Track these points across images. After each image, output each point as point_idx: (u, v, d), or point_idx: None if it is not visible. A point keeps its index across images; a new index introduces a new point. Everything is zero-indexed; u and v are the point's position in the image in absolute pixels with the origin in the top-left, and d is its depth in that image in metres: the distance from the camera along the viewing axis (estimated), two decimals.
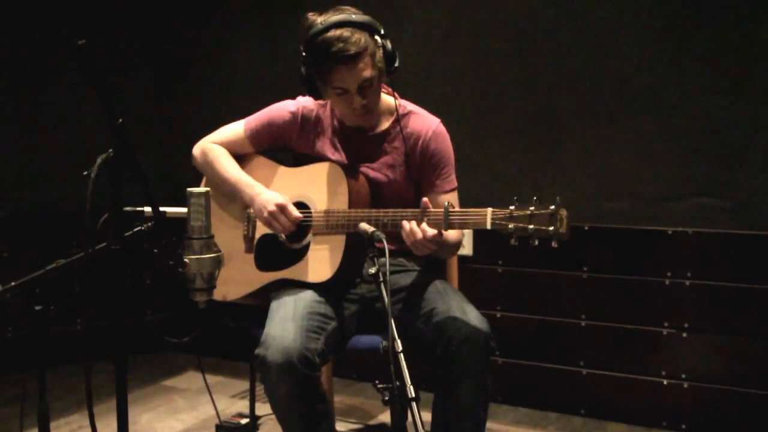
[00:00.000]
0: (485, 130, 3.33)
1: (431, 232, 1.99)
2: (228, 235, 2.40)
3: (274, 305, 2.18)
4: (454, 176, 2.35)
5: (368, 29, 2.10)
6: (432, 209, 2.03)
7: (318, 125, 2.35)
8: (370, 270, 1.78)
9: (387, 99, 2.33)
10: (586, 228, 3.14)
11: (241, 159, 2.43)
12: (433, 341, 2.07)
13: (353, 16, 2.09)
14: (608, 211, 3.12)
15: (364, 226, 1.96)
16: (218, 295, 2.39)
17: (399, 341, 1.63)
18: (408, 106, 2.35)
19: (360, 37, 2.08)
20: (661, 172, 3.02)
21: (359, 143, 2.32)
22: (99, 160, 1.68)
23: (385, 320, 2.24)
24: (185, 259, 1.82)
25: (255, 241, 2.37)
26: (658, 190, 3.03)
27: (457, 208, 2.01)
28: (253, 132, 2.38)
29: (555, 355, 3.24)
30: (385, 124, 2.32)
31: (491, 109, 3.30)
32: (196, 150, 2.43)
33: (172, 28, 4.08)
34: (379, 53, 2.13)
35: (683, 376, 3.02)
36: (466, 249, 3.34)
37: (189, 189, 1.85)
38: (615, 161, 3.09)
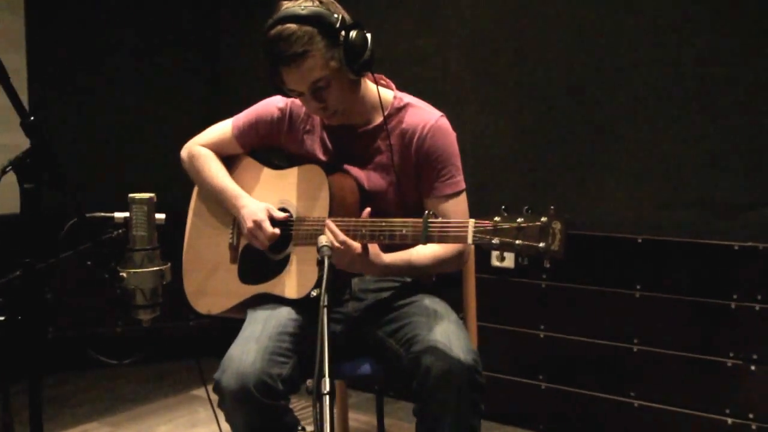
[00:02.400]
0: (528, 130, 3.00)
1: (342, 236, 1.75)
2: (215, 242, 2.20)
3: (246, 322, 1.97)
4: (459, 178, 2.04)
5: (317, 23, 1.83)
6: (396, 220, 1.76)
7: (308, 122, 2.11)
8: (312, 293, 1.52)
9: (383, 92, 2.06)
10: (640, 241, 2.76)
11: (230, 161, 2.23)
12: (411, 373, 1.79)
13: (302, 6, 1.84)
14: (666, 222, 2.73)
15: (321, 239, 1.71)
16: (203, 308, 2.21)
17: (328, 380, 1.36)
18: (406, 98, 2.07)
19: (305, 34, 1.82)
20: (728, 179, 2.61)
21: (349, 142, 2.07)
22: (7, 163, 1.51)
23: (351, 348, 2.00)
24: (122, 273, 1.63)
25: (239, 251, 2.17)
26: (724, 198, 2.62)
27: (443, 219, 1.72)
28: (241, 131, 2.17)
29: (603, 383, 2.87)
30: (378, 119, 2.05)
31: (534, 108, 2.97)
32: (184, 153, 2.25)
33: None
34: (333, 49, 1.85)
35: (751, 416, 2.59)
36: (507, 261, 3.02)
37: (131, 195, 1.67)
38: (675, 166, 2.71)
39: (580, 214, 2.88)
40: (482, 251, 3.00)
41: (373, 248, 1.85)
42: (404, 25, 3.25)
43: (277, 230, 1.98)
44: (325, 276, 1.49)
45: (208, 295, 2.21)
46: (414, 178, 2.03)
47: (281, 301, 2.00)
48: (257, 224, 1.98)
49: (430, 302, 1.98)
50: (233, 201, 2.08)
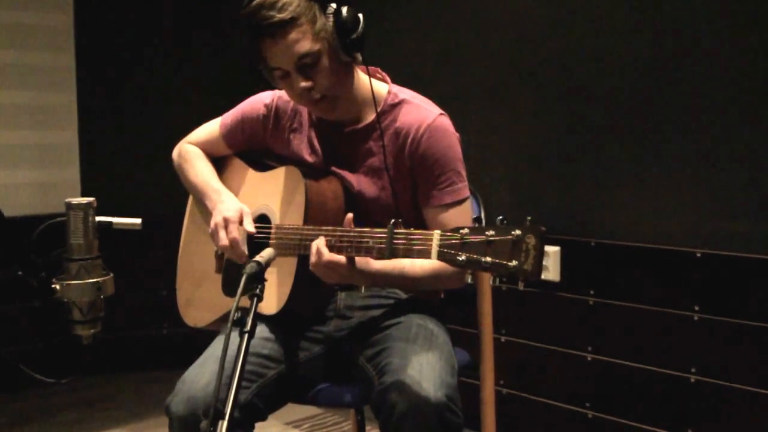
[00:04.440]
0: (570, 130, 2.69)
1: (327, 256, 1.52)
2: (206, 250, 2.04)
3: (214, 340, 1.79)
4: (460, 185, 1.78)
5: None
6: (370, 229, 1.52)
7: (295, 120, 1.91)
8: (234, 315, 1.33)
9: (377, 85, 1.83)
10: (699, 255, 2.40)
11: (220, 162, 2.06)
12: (378, 408, 1.56)
13: None
14: (728, 235, 2.36)
15: (269, 251, 1.50)
16: (191, 321, 2.06)
17: (225, 424, 1.16)
18: (402, 93, 1.84)
19: (292, 1, 1.62)
20: None
21: (337, 141, 1.85)
22: None
23: (330, 371, 1.79)
24: (54, 285, 1.48)
25: (224, 260, 1.99)
26: None
27: (408, 230, 1.48)
28: (228, 130, 2.00)
29: (656, 416, 2.52)
30: (370, 117, 1.82)
31: (574, 106, 2.66)
32: (174, 152, 2.10)
33: None
34: (323, 21, 1.65)
35: None
36: (552, 273, 2.72)
37: (67, 200, 1.52)
38: (739, 171, 2.34)
39: (632, 224, 2.55)
40: None
41: (360, 257, 1.62)
42: (433, 20, 3.01)
43: (238, 236, 1.77)
44: (238, 296, 1.28)
45: (195, 308, 2.05)
46: (410, 184, 1.80)
47: (256, 316, 1.80)
48: (225, 221, 1.78)
49: (419, 324, 1.74)
50: (213, 196, 1.90)
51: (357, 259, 1.59)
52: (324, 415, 3.11)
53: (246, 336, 1.28)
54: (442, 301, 1.98)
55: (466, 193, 1.80)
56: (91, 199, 1.51)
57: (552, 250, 2.71)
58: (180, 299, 2.11)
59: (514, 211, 2.79)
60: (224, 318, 1.91)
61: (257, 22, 1.64)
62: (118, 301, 3.53)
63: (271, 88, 1.89)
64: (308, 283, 1.72)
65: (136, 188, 3.71)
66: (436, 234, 1.40)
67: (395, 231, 1.47)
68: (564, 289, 2.71)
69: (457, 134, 1.82)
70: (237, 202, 1.87)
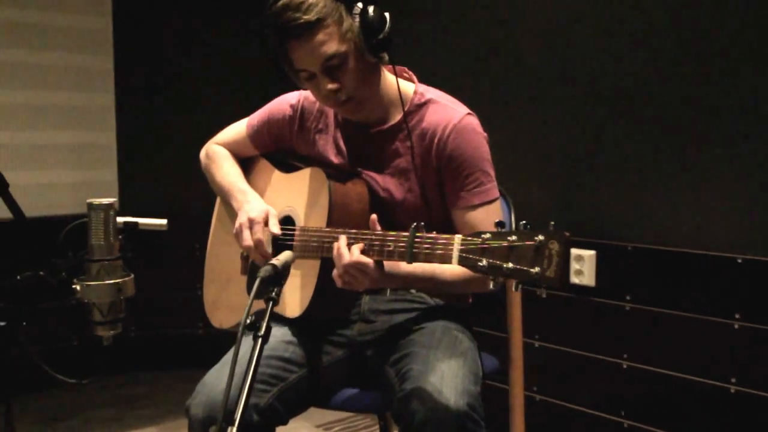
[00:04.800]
0: (606, 130, 2.62)
1: (357, 257, 1.47)
2: (232, 252, 2.03)
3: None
4: (489, 186, 1.74)
5: None
6: (392, 232, 1.49)
7: (320, 120, 1.89)
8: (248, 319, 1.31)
9: (404, 85, 1.80)
10: (740, 261, 2.31)
11: (247, 163, 2.05)
12: (398, 415, 1.53)
13: None
14: None
15: (286, 254, 1.48)
16: (216, 322, 2.06)
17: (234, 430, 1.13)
18: (428, 93, 1.80)
19: (318, 2, 1.59)
20: None
21: (364, 142, 1.82)
22: None
23: (353, 375, 1.76)
24: (75, 285, 1.49)
25: (249, 261, 1.98)
26: None
27: (430, 234, 1.44)
28: (255, 130, 1.99)
29: (695, 425, 2.44)
30: (397, 117, 1.79)
31: (613, 104, 2.59)
32: (201, 152, 2.10)
33: None
34: (349, 21, 1.62)
35: None
36: (587, 277, 2.65)
37: (89, 200, 1.52)
38: None
39: (670, 228, 2.47)
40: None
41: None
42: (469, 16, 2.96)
43: (262, 237, 1.75)
44: (250, 299, 1.27)
45: (221, 308, 2.05)
46: (437, 186, 1.76)
47: (280, 319, 1.79)
48: (250, 221, 1.76)
49: (443, 330, 1.70)
50: (239, 196, 1.89)
51: (385, 262, 1.56)
52: (354, 418, 3.09)
53: (260, 340, 1.25)
54: (470, 306, 1.94)
55: (496, 193, 1.76)
56: (113, 199, 1.50)
57: (587, 254, 2.64)
58: (206, 300, 2.10)
59: (548, 214, 2.73)
60: (259, 318, 1.90)
61: (283, 24, 1.62)
62: (155, 300, 3.60)
63: (297, 88, 1.88)
64: (331, 286, 1.69)
65: (173, 188, 3.74)
66: (457, 238, 1.37)
67: (417, 235, 1.44)
68: (599, 294, 2.64)
69: (485, 134, 1.78)
70: (263, 203, 1.86)
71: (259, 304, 1.78)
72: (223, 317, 2.02)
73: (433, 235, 1.42)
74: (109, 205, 1.54)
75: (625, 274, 2.58)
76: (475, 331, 1.84)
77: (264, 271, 1.35)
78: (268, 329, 1.28)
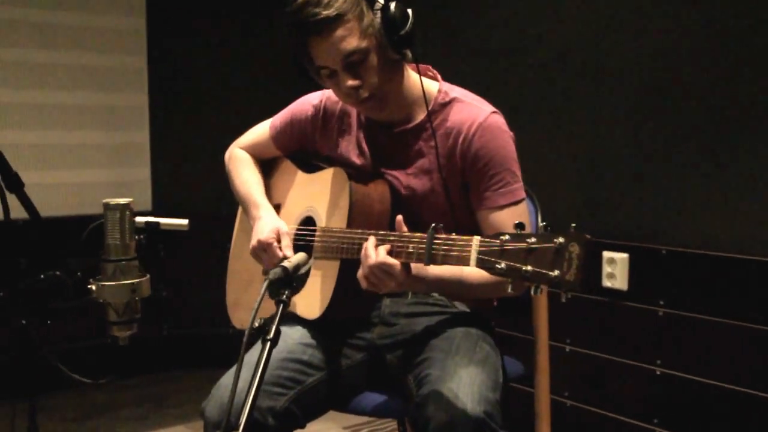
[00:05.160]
0: (642, 129, 2.55)
1: (383, 258, 1.43)
2: None
3: (253, 347, 1.76)
4: (515, 186, 1.69)
5: None
6: (409, 233, 1.46)
7: (343, 121, 1.86)
8: (255, 323, 1.28)
9: (428, 83, 1.76)
10: None
11: (271, 165, 2.04)
12: (414, 421, 1.49)
13: None
14: None
15: (299, 255, 1.45)
16: (237, 322, 2.05)
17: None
18: (453, 91, 1.76)
19: None
20: None
21: (386, 142, 1.79)
22: None
23: (373, 379, 1.73)
24: (91, 285, 1.48)
25: None
26: None
27: (448, 236, 1.40)
28: (277, 131, 1.97)
29: None
30: (420, 116, 1.76)
31: (656, 102, 2.51)
32: (226, 155, 2.09)
33: None
34: (371, 17, 1.59)
35: None
36: (619, 281, 2.59)
37: (105, 200, 1.52)
38: None
39: (706, 231, 2.40)
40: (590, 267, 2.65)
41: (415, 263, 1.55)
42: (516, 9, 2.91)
43: (289, 253, 1.72)
44: (258, 302, 1.24)
45: (242, 309, 2.04)
46: (462, 186, 1.72)
47: (299, 321, 1.77)
48: (262, 246, 1.75)
49: (464, 335, 1.66)
50: (252, 210, 1.88)
51: (412, 264, 1.52)
52: (382, 420, 3.05)
53: (268, 344, 1.23)
54: (495, 309, 1.90)
55: (522, 194, 1.71)
56: (129, 199, 1.49)
57: (620, 257, 2.58)
58: (228, 300, 2.10)
59: (578, 215, 2.67)
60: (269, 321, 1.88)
61: (302, 20, 1.60)
62: (186, 300, 3.61)
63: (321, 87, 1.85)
64: (351, 288, 1.66)
65: (206, 187, 3.74)
66: (476, 240, 1.33)
67: (435, 236, 1.40)
68: (632, 298, 2.57)
69: (511, 133, 1.74)
70: (275, 218, 1.84)
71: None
72: (244, 317, 2.01)
73: (452, 236, 1.38)
74: (125, 206, 1.53)
75: (659, 278, 2.51)
76: (498, 335, 1.80)
77: (273, 273, 1.33)
78: (278, 332, 1.26)
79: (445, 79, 1.82)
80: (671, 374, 2.48)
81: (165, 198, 3.75)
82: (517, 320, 1.99)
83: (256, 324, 1.27)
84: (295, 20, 1.61)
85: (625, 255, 2.57)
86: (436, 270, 1.55)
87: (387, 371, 1.73)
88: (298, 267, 1.40)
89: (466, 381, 1.48)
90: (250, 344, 1.29)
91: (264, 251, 1.74)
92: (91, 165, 3.57)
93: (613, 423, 2.63)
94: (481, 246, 1.32)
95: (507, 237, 1.28)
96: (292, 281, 1.35)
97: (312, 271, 1.77)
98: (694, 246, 2.42)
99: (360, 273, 1.53)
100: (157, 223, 1.76)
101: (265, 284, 1.31)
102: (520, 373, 1.92)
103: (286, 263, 1.38)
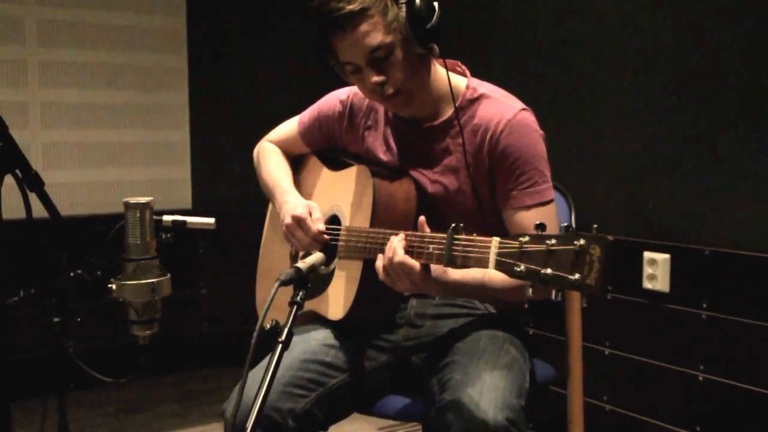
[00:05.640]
0: (684, 126, 2.46)
1: (403, 257, 1.41)
2: (282, 251, 2.01)
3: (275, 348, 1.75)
4: (543, 186, 1.64)
5: None
6: (431, 234, 1.42)
7: (370, 117, 1.84)
8: (266, 324, 1.26)
9: (456, 79, 1.72)
10: None
11: (299, 161, 2.02)
12: (435, 427, 1.45)
13: None
14: None
15: (315, 255, 1.43)
16: (265, 321, 2.03)
17: None
18: (482, 87, 1.72)
19: None
20: None
21: (414, 139, 1.76)
22: None
23: (397, 381, 1.70)
24: (111, 284, 1.49)
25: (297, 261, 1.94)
26: None
27: (470, 237, 1.36)
28: (305, 127, 1.95)
29: None
30: (448, 113, 1.72)
31: (691, 101, 2.42)
32: (255, 149, 2.09)
33: None
34: (395, 11, 1.56)
35: None
36: (660, 283, 2.50)
37: (125, 200, 1.52)
38: None
39: (751, 231, 2.30)
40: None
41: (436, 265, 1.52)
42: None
43: (321, 227, 1.71)
44: (268, 302, 1.22)
45: (271, 308, 2.02)
46: (489, 185, 1.68)
47: (322, 322, 1.75)
48: (297, 220, 1.72)
49: (489, 338, 1.61)
50: (280, 196, 1.85)
51: (432, 267, 1.49)
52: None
53: (280, 346, 1.20)
54: (526, 310, 1.85)
55: (551, 195, 1.66)
56: (149, 198, 1.49)
57: (661, 258, 2.49)
58: (258, 299, 2.09)
59: (618, 214, 2.60)
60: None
61: (326, 15, 1.58)
62: (225, 298, 3.63)
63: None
64: (374, 289, 1.63)
65: (246, 186, 3.75)
66: (495, 241, 1.29)
67: (455, 237, 1.36)
68: (674, 300, 2.48)
69: (542, 132, 1.69)
70: (302, 199, 1.82)
71: (308, 306, 1.75)
72: (272, 316, 1.99)
73: (471, 237, 1.34)
74: (146, 204, 1.53)
75: (701, 280, 2.42)
76: (529, 337, 1.75)
77: (285, 274, 1.31)
78: (290, 334, 1.24)
79: (477, 75, 1.78)
80: (714, 380, 2.39)
81: (204, 196, 3.78)
82: (551, 322, 1.94)
83: (267, 326, 1.24)
84: (318, 15, 1.59)
85: (666, 256, 2.49)
86: (457, 275, 1.52)
87: (411, 374, 1.69)
88: (313, 267, 1.37)
89: (489, 387, 1.43)
90: (258, 347, 1.27)
91: (299, 227, 1.71)
92: (131, 164, 3.61)
93: (653, 429, 2.55)
94: (500, 247, 1.27)
95: (527, 238, 1.24)
96: (306, 282, 1.32)
97: (336, 272, 1.75)
98: (738, 246, 2.33)
99: (379, 263, 1.51)
100: (184, 222, 1.76)
101: (276, 284, 1.29)
102: (551, 377, 1.86)
103: (300, 264, 1.36)
